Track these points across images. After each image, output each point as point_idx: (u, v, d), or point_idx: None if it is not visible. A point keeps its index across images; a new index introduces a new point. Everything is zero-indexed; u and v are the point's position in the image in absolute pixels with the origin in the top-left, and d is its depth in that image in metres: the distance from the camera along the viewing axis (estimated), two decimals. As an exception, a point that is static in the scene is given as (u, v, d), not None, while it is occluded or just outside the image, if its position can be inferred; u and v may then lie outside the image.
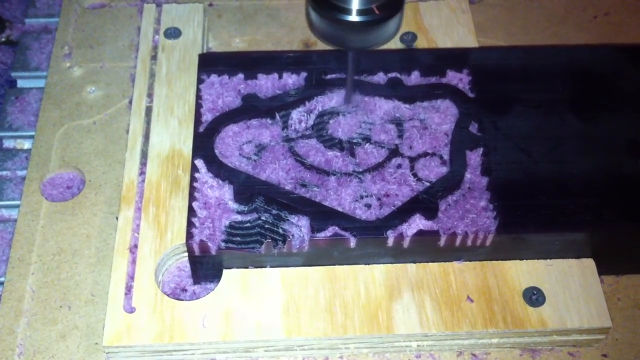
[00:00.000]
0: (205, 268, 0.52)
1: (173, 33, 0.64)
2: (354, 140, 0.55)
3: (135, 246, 0.53)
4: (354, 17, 0.49)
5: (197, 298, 0.52)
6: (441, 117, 0.56)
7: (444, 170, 0.53)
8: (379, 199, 0.52)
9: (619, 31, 0.71)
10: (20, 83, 0.69)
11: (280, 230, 0.51)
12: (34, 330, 0.52)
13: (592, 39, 0.70)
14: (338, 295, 0.51)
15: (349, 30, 0.50)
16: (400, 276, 0.52)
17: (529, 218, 0.51)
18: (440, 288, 0.51)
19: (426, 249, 0.51)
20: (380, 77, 0.58)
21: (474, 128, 0.55)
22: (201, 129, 0.55)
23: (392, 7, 0.49)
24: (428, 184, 0.53)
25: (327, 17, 0.49)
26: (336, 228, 0.50)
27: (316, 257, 0.52)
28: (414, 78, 0.58)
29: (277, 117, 0.56)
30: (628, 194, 0.53)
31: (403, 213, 0.51)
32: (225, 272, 0.52)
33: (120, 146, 0.61)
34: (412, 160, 0.54)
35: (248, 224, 0.51)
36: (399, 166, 0.54)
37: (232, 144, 0.55)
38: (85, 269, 0.55)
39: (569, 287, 0.51)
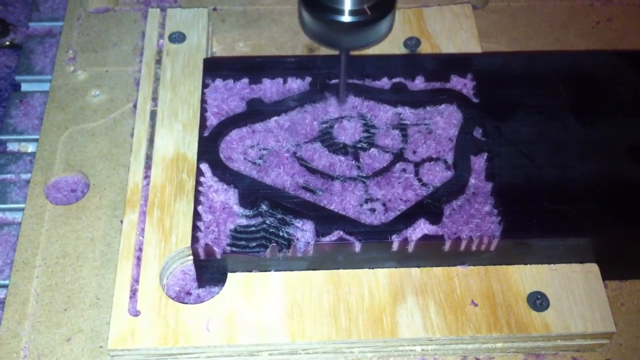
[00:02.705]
0: (209, 272, 0.52)
1: (177, 37, 0.64)
2: (359, 145, 0.55)
3: (140, 249, 0.53)
4: (346, 18, 0.49)
5: (201, 301, 0.52)
6: (445, 122, 0.56)
7: (448, 175, 0.53)
8: (383, 203, 0.52)
9: (621, 37, 0.71)
10: (24, 87, 0.69)
11: (285, 235, 0.51)
12: (38, 334, 0.52)
13: (594, 45, 0.70)
14: (342, 299, 0.51)
15: (341, 31, 0.50)
16: (405, 280, 0.52)
17: (533, 223, 0.51)
18: (445, 292, 0.51)
19: (430, 253, 0.52)
20: (384, 82, 0.58)
21: (478, 133, 0.56)
22: (206, 133, 0.55)
23: (384, 7, 0.49)
24: (432, 188, 0.53)
25: (320, 18, 0.49)
26: (341, 232, 0.50)
27: (320, 261, 0.52)
28: (418, 83, 0.58)
29: (281, 120, 0.56)
30: (632, 199, 0.53)
31: (408, 218, 0.51)
32: (229, 275, 0.52)
33: (124, 150, 0.61)
34: (417, 165, 0.54)
35: (253, 228, 0.51)
36: (404, 171, 0.54)
37: (237, 148, 0.55)
38: (89, 272, 0.55)
39: (573, 292, 0.52)
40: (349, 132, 0.56)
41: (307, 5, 0.50)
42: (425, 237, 0.51)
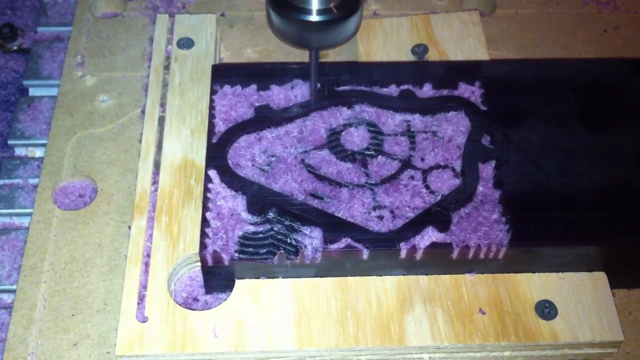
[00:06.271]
0: (217, 278, 0.52)
1: (186, 43, 0.64)
2: (366, 152, 0.55)
3: (148, 255, 0.53)
4: (314, 17, 0.50)
5: (209, 308, 0.52)
6: (453, 129, 0.56)
7: (456, 182, 0.53)
8: (391, 211, 0.52)
9: (628, 45, 0.71)
10: (32, 91, 0.69)
11: (293, 242, 0.51)
12: (45, 339, 0.52)
13: (602, 53, 0.70)
14: (350, 306, 0.51)
15: (309, 30, 0.51)
16: (412, 288, 0.52)
17: (541, 231, 0.51)
18: (452, 300, 0.51)
19: (438, 261, 0.51)
20: (392, 89, 0.58)
21: (486, 140, 0.56)
22: (214, 139, 0.55)
23: (351, 5, 0.51)
24: (440, 196, 0.53)
25: (287, 17, 0.51)
26: (349, 239, 0.50)
27: (328, 268, 0.52)
28: (426, 90, 0.58)
29: (289, 127, 0.56)
30: (640, 207, 0.53)
31: (415, 225, 0.51)
32: (237, 282, 0.52)
33: (132, 155, 0.61)
34: (425, 172, 0.54)
35: (261, 235, 0.51)
36: (412, 178, 0.54)
37: (245, 155, 0.55)
38: (97, 277, 0.55)
39: (581, 301, 0.51)
40: (356, 139, 0.56)
41: (275, 6, 0.51)
42: (433, 245, 0.51)
